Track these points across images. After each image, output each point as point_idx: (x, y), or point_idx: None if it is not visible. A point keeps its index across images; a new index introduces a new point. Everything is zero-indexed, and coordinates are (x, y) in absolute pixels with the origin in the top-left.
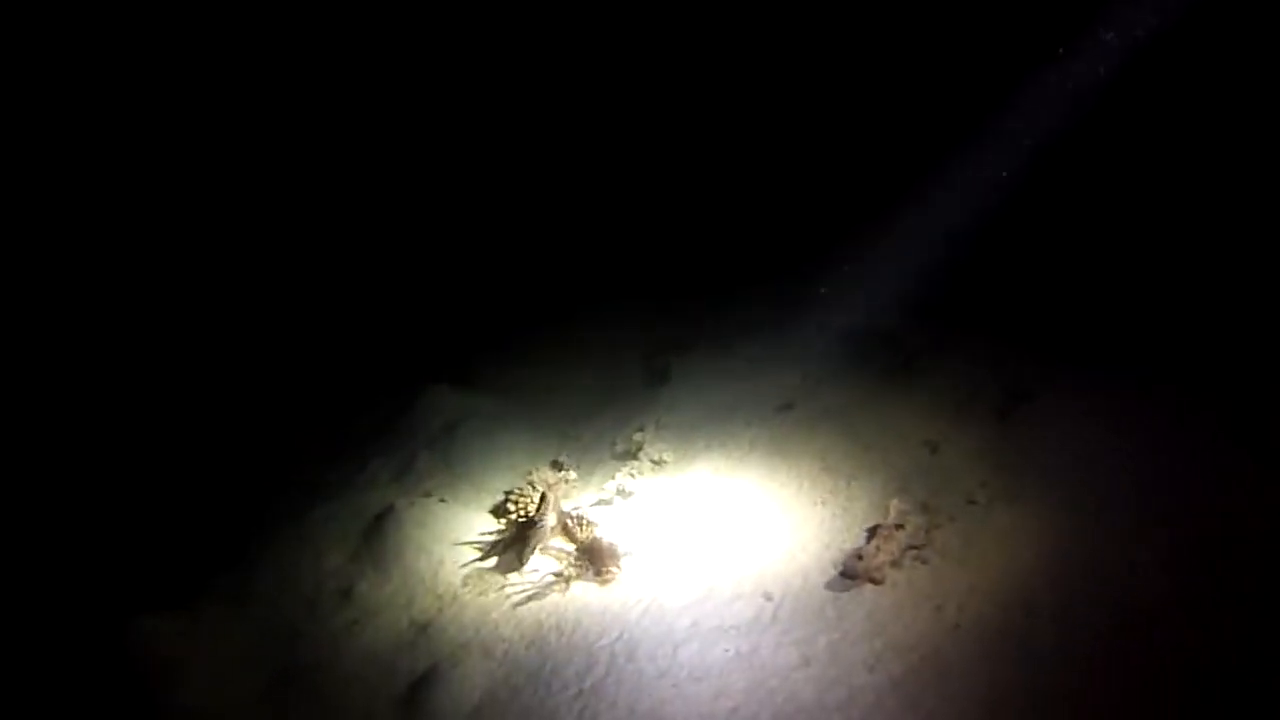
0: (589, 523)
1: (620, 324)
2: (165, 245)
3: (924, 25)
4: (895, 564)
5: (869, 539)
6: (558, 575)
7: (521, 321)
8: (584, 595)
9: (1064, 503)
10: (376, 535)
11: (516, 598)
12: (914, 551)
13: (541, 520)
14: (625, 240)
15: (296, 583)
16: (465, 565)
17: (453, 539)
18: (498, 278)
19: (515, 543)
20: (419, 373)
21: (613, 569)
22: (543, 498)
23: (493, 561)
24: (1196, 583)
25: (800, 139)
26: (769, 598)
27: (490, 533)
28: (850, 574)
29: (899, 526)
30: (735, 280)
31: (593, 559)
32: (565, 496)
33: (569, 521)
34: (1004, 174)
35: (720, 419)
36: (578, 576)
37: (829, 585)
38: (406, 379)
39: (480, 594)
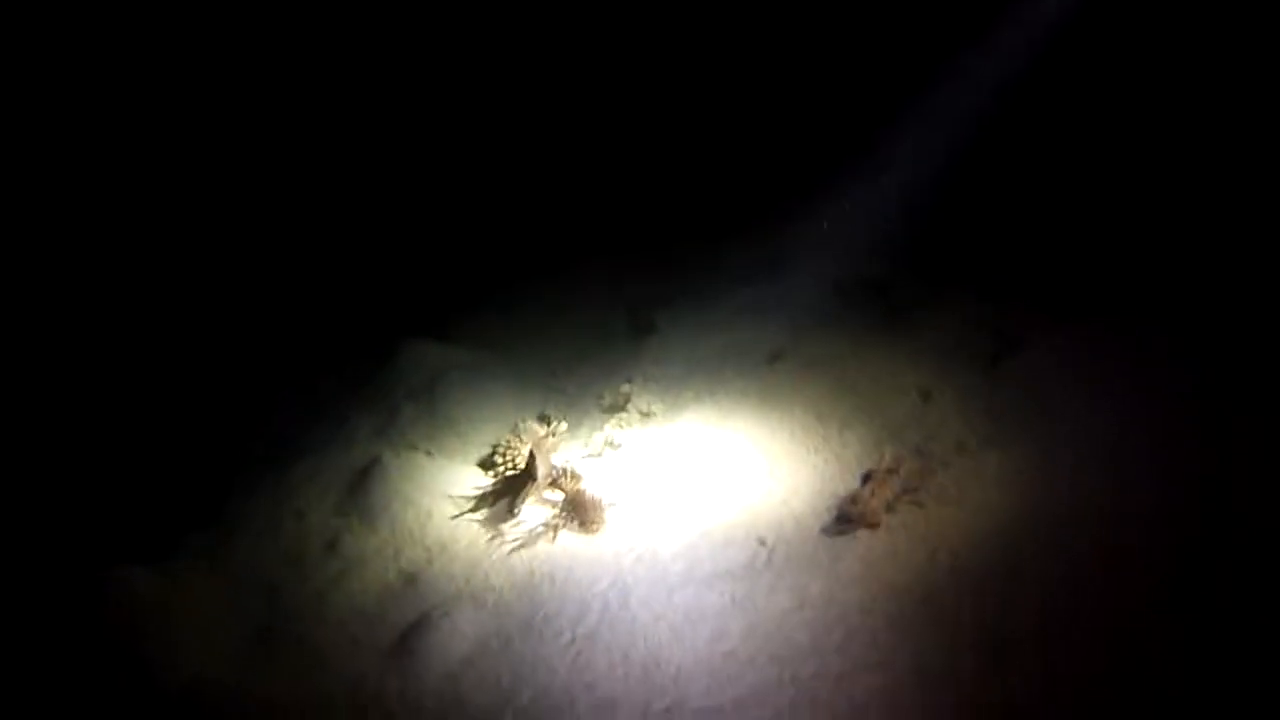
0: (575, 474)
1: (601, 278)
2: (136, 205)
3: None
4: (890, 508)
5: (864, 484)
6: (546, 525)
7: (499, 278)
8: (575, 544)
9: (1053, 449)
10: (362, 489)
11: (507, 548)
12: (908, 496)
13: (532, 472)
14: (603, 193)
15: (278, 539)
16: (454, 517)
17: (440, 491)
18: (474, 234)
19: (504, 495)
20: (396, 328)
21: (598, 519)
22: (532, 451)
23: (482, 513)
24: (1183, 526)
25: (776, 79)
26: (763, 543)
27: (479, 486)
28: (845, 518)
29: (893, 471)
30: (719, 230)
31: (578, 510)
32: (553, 449)
33: (558, 474)
34: (988, 112)
35: (708, 370)
36: (565, 526)
37: (823, 530)
38: (384, 334)
39: (470, 545)
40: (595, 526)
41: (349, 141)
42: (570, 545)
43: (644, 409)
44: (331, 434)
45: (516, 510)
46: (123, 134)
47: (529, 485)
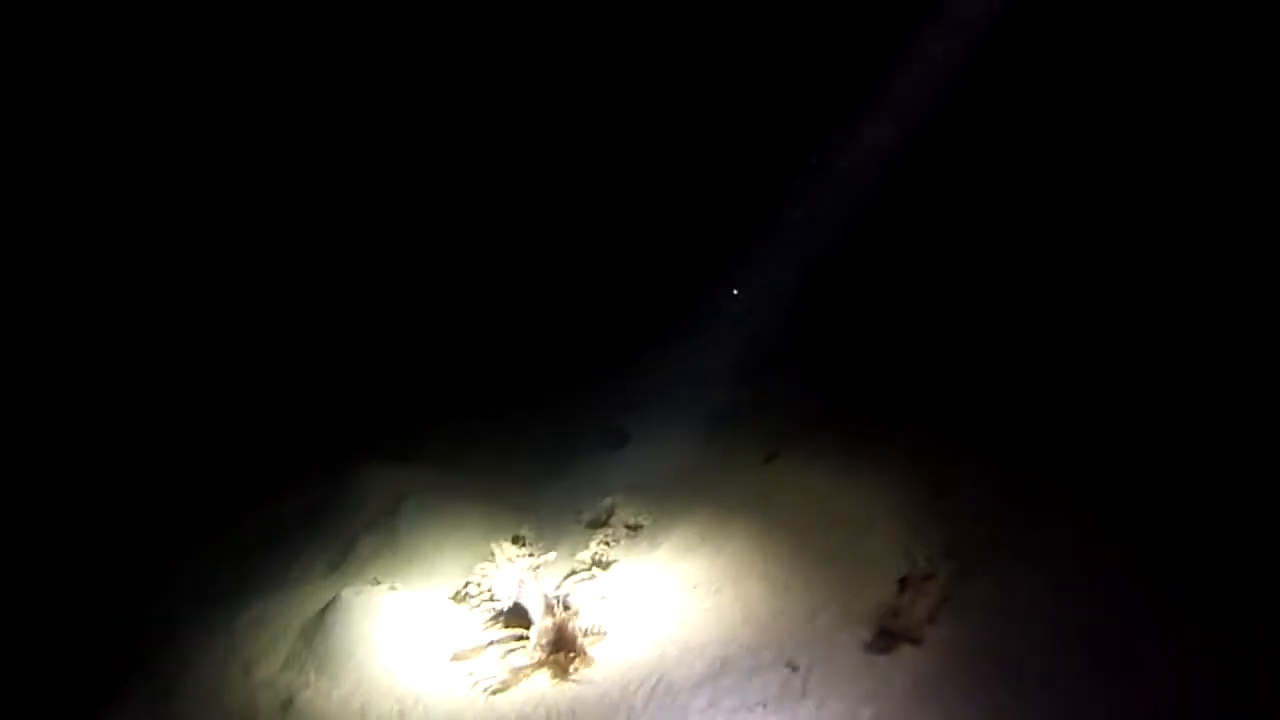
0: (566, 602)
1: (566, 393)
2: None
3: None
4: (931, 619)
5: (901, 591)
6: (538, 662)
7: (460, 397)
8: (573, 683)
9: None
10: (319, 634)
11: (493, 693)
12: (949, 604)
13: (522, 603)
14: (557, 308)
15: (223, 701)
16: (427, 661)
17: (409, 631)
18: (434, 353)
19: (484, 630)
20: (351, 451)
21: (597, 651)
22: (523, 582)
23: (460, 654)
24: None
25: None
26: (794, 667)
27: (453, 621)
28: (890, 632)
29: (928, 577)
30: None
31: (573, 642)
32: (534, 575)
33: (549, 601)
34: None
35: (696, 476)
36: (559, 663)
37: (860, 648)
38: (337, 458)
39: (449, 694)
40: (594, 660)
41: (305, 255)
42: (568, 685)
43: (630, 522)
44: (281, 571)
45: (506, 650)
46: None
47: (516, 617)
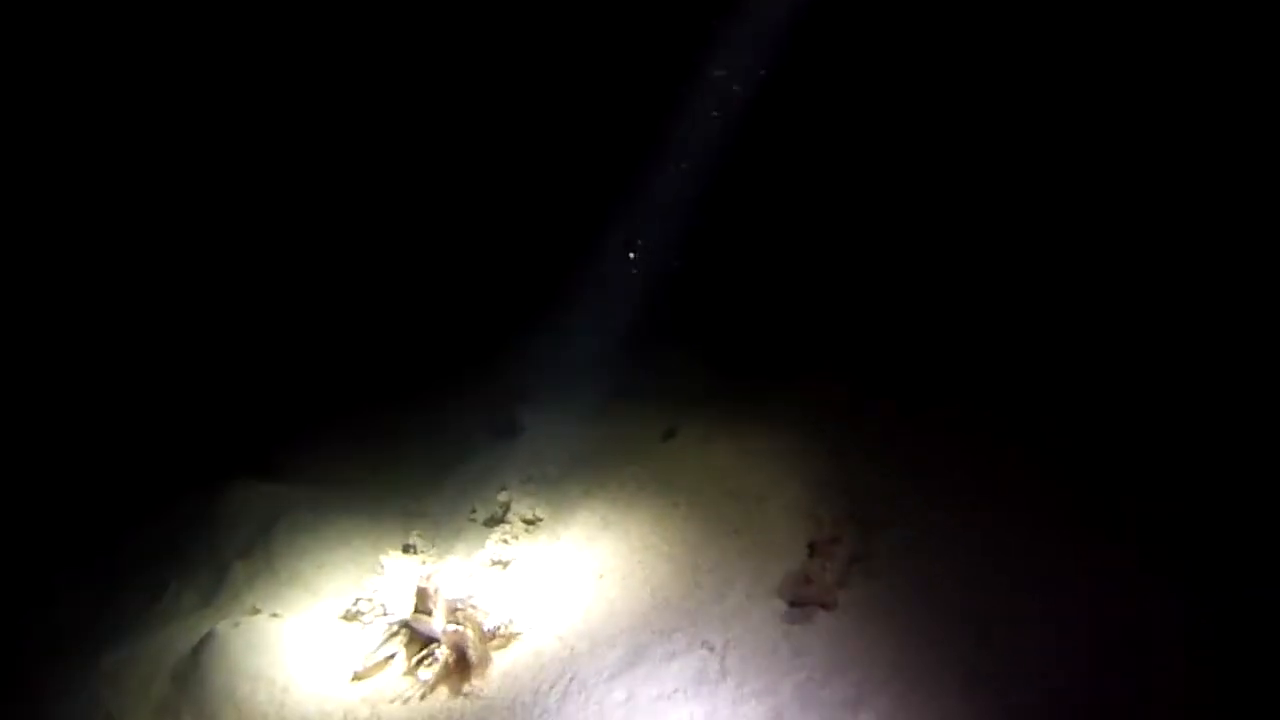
0: (470, 605)
1: (446, 389)
2: None
3: None
4: (841, 583)
5: (810, 557)
6: (441, 672)
7: (328, 405)
8: (483, 690)
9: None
10: (195, 675)
11: (396, 711)
12: (858, 565)
13: (421, 612)
14: (429, 298)
15: None
16: (320, 687)
17: (297, 659)
18: (298, 358)
19: (381, 646)
20: (215, 469)
21: (503, 654)
22: (421, 591)
23: (357, 674)
24: None
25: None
26: (710, 647)
27: (346, 642)
28: (801, 601)
29: (836, 540)
30: (560, 316)
31: (476, 648)
32: (430, 581)
33: (454, 605)
34: None
35: (593, 461)
36: (463, 670)
37: (775, 620)
38: (200, 478)
39: (348, 717)
40: (500, 664)
41: (154, 259)
42: (477, 692)
43: (528, 516)
44: (146, 607)
45: (412, 662)
46: None
47: (417, 626)
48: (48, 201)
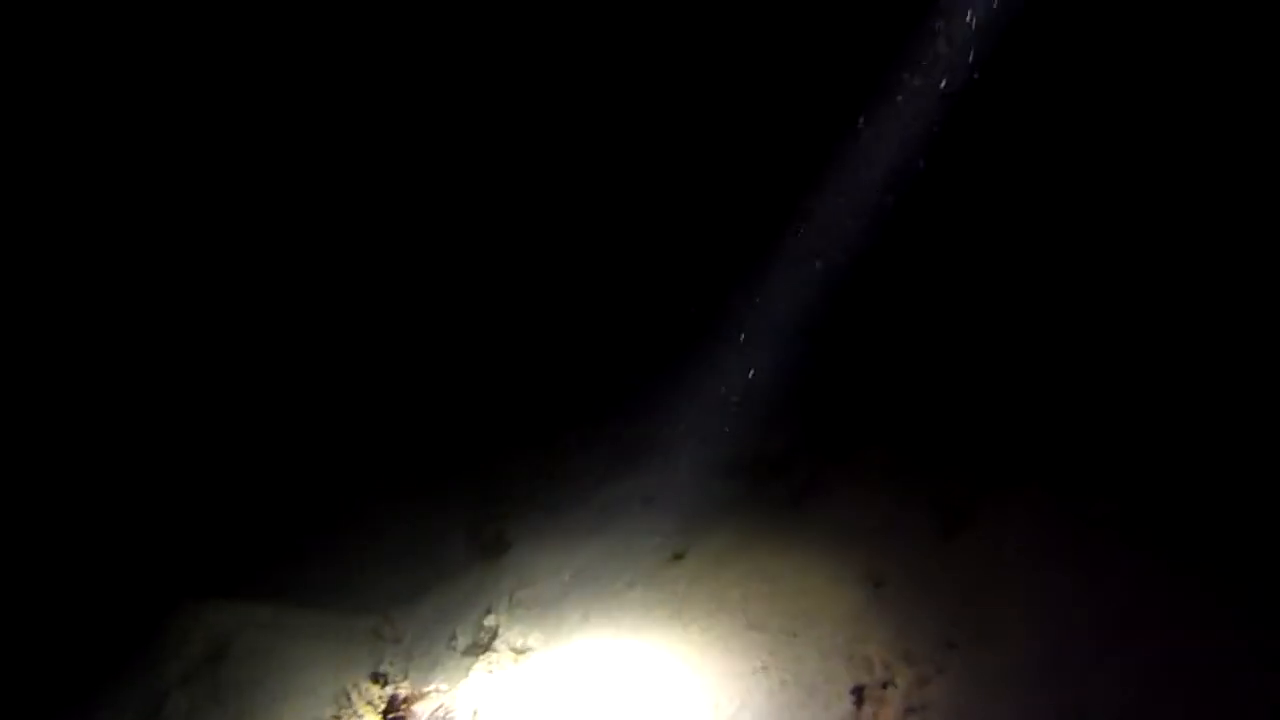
0: None
1: (423, 504)
2: None
3: None
4: None
5: (857, 705)
6: None
7: (294, 519)
8: None
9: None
10: None
11: None
12: (916, 716)
13: None
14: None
15: None
16: None
17: None
18: (258, 471)
19: None
20: (157, 587)
21: None
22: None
23: None
24: None
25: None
26: None
27: None
28: None
29: (886, 684)
30: (556, 425)
31: None
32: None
33: None
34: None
35: (592, 584)
36: None
37: None
38: (139, 597)
39: None
40: None
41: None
42: None
43: (517, 643)
44: None
45: None
46: None
47: None
48: None
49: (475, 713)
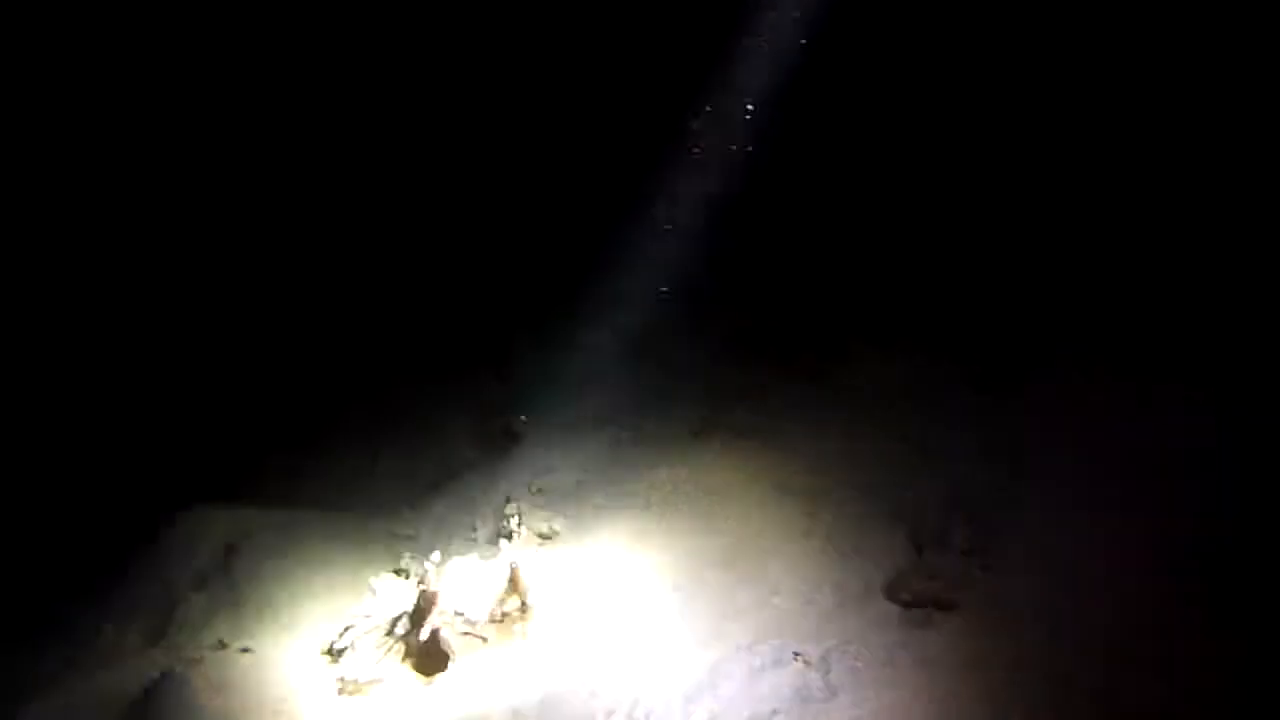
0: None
1: (425, 398)
2: None
3: None
4: (960, 580)
5: (919, 554)
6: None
7: (298, 423)
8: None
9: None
10: None
11: None
12: (978, 561)
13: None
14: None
15: None
16: None
17: (271, 700)
18: (255, 369)
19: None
20: (163, 493)
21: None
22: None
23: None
24: None
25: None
26: (806, 661)
27: (336, 678)
28: (919, 602)
29: (945, 533)
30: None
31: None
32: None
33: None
34: None
35: (614, 465)
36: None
37: (876, 626)
38: (147, 502)
39: None
40: (547, 688)
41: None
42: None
43: (542, 529)
44: (76, 651)
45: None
46: None
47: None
48: None
49: (513, 564)
